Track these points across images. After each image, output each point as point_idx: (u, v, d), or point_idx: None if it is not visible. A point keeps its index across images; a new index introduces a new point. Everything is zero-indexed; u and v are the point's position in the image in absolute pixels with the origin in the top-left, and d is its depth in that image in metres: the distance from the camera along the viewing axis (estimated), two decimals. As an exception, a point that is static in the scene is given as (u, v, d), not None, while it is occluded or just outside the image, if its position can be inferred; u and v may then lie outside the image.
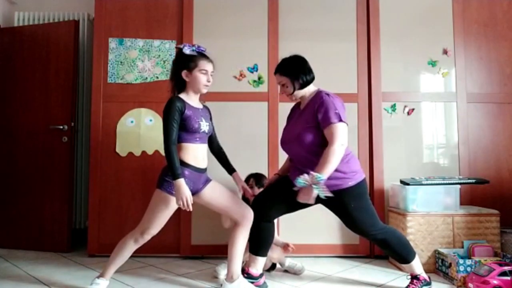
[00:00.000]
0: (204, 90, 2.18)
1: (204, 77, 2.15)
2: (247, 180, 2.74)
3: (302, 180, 1.97)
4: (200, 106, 2.22)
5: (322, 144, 2.09)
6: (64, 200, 3.15)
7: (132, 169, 3.02)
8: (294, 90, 2.20)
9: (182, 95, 2.15)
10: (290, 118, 2.38)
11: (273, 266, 2.66)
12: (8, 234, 3.24)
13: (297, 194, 2.06)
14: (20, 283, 2.37)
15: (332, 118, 2.05)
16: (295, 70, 2.19)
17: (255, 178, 2.71)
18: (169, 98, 2.11)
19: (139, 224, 2.14)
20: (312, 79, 2.23)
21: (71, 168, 3.19)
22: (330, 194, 1.98)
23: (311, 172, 1.97)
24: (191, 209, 2.02)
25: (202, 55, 2.16)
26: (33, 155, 3.23)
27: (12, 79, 3.33)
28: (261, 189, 2.63)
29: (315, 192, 1.97)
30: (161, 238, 2.82)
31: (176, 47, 2.21)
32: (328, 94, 2.14)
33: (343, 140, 2.04)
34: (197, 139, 2.13)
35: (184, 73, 2.13)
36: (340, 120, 2.05)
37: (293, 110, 2.39)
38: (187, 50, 2.13)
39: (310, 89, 2.24)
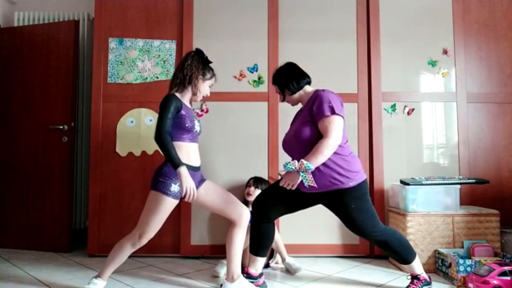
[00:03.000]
0: (200, 100, 2.28)
1: (208, 90, 2.27)
2: (247, 183, 2.80)
3: (291, 165, 2.03)
4: (190, 106, 2.26)
5: (319, 139, 2.09)
6: (64, 200, 3.15)
7: (132, 169, 3.02)
8: (285, 97, 2.30)
9: (178, 94, 2.17)
10: (292, 121, 2.40)
11: (272, 253, 2.68)
12: (8, 234, 3.24)
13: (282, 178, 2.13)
14: (20, 283, 2.37)
15: (325, 111, 2.06)
16: (283, 78, 2.28)
17: (254, 180, 2.78)
18: (166, 95, 2.13)
19: (136, 227, 2.11)
20: (305, 83, 2.28)
21: (71, 168, 3.19)
22: (314, 184, 2.05)
23: (302, 160, 2.02)
24: (195, 198, 2.05)
25: (213, 70, 2.28)
26: (33, 155, 3.23)
27: (12, 79, 3.33)
28: (258, 190, 2.70)
29: (300, 179, 2.05)
30: (161, 238, 2.83)
31: (198, 50, 2.23)
32: (323, 90, 2.17)
33: (338, 133, 2.05)
34: (190, 137, 2.15)
35: (200, 79, 2.18)
36: (334, 113, 2.06)
37: (296, 114, 2.41)
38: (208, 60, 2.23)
39: (306, 91, 2.27)
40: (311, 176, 2.04)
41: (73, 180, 3.28)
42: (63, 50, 3.24)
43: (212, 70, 2.26)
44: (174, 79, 2.21)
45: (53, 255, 3.05)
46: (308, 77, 2.30)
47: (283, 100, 2.32)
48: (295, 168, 2.02)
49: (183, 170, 2.00)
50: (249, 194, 2.72)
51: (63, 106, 3.21)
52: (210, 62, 2.25)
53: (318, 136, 2.09)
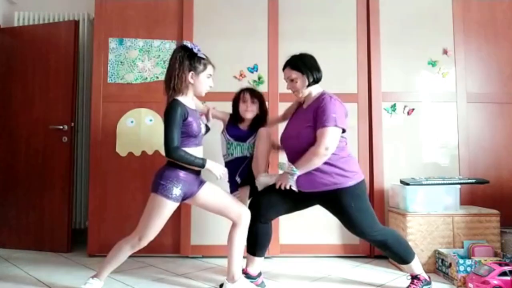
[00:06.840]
0: (204, 94, 2.17)
1: (209, 81, 2.15)
2: (238, 94, 2.50)
3: (282, 166, 2.15)
4: (193, 106, 2.18)
5: None
6: (64, 200, 3.15)
7: (132, 169, 3.02)
8: (304, 85, 2.20)
9: (180, 98, 2.06)
10: (292, 116, 2.38)
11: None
12: (8, 234, 3.24)
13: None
14: (20, 283, 2.37)
15: (327, 121, 2.06)
16: (307, 65, 2.21)
17: (250, 92, 2.46)
18: (170, 102, 2.04)
19: (136, 229, 2.09)
20: (320, 78, 2.24)
21: (71, 168, 3.18)
22: (295, 188, 2.11)
23: (290, 163, 2.10)
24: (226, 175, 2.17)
25: (207, 58, 2.14)
26: (33, 155, 3.23)
27: (12, 79, 3.33)
28: (255, 106, 2.44)
29: (289, 181, 2.11)
30: (161, 238, 2.81)
31: (182, 45, 2.09)
32: (331, 97, 2.14)
33: (331, 144, 2.05)
34: (197, 142, 2.11)
35: (190, 75, 2.07)
36: (335, 125, 2.06)
37: (296, 108, 2.39)
38: (197, 52, 2.08)
39: (316, 89, 2.25)
40: (295, 181, 2.10)
41: (73, 180, 3.28)
42: (63, 50, 3.24)
43: (204, 59, 2.10)
44: (168, 82, 2.07)
45: (53, 255, 3.05)
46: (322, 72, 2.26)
47: (302, 87, 2.19)
48: (284, 169, 2.08)
49: (209, 165, 2.07)
50: (247, 111, 2.42)
51: (63, 106, 3.21)
52: (195, 55, 2.08)
53: None
